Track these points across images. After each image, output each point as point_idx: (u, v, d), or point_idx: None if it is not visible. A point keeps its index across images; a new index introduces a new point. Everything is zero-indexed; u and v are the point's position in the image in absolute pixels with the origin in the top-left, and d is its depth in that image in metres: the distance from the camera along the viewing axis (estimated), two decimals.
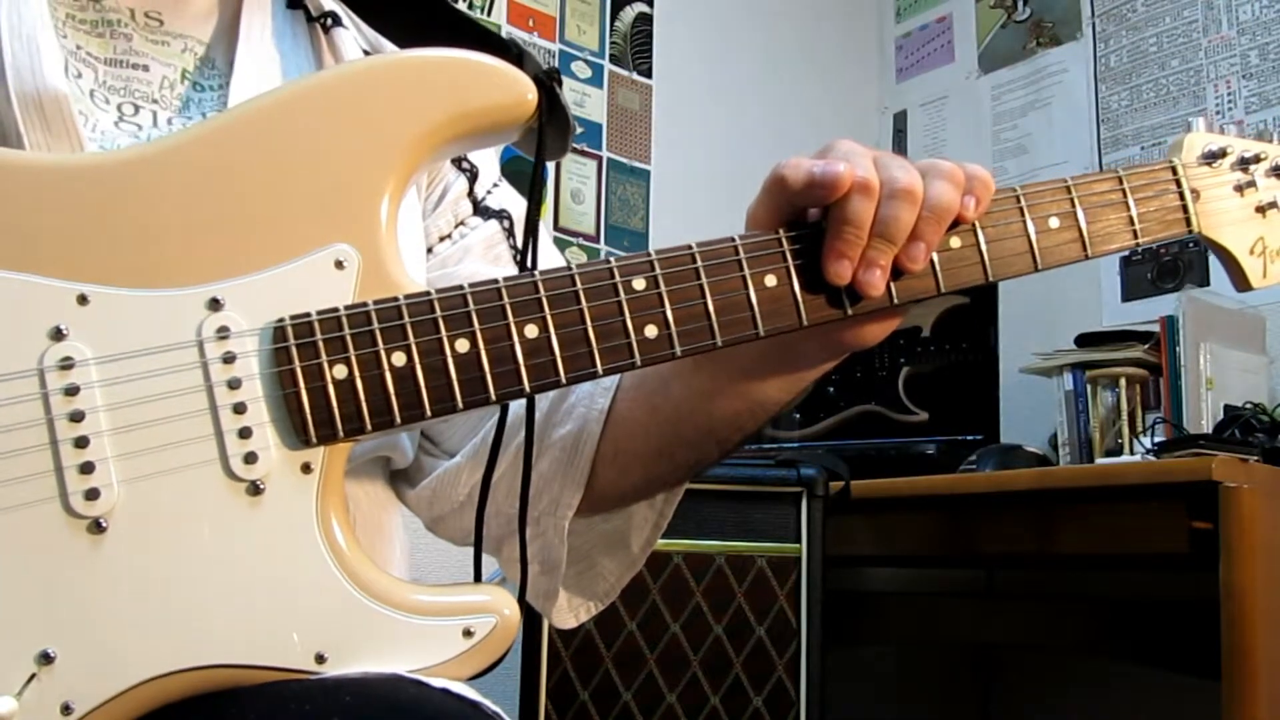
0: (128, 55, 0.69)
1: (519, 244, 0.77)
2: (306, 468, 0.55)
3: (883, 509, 1.77)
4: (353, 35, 0.76)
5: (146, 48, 0.70)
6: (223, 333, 0.54)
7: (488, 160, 0.80)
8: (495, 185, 0.80)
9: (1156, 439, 1.75)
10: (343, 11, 0.76)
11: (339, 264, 0.56)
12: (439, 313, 0.56)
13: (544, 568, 0.73)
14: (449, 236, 0.76)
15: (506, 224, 0.78)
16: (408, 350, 0.55)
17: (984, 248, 0.61)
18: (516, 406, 0.68)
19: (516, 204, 0.80)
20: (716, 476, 1.55)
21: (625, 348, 0.57)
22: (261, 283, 0.56)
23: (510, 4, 2.24)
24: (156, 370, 0.54)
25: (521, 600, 0.62)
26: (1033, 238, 0.62)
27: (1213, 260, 0.72)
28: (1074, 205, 0.63)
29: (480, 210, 0.78)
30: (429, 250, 0.76)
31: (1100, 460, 1.94)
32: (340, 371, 0.55)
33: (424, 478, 0.75)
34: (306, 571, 0.54)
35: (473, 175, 0.78)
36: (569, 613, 0.77)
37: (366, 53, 0.76)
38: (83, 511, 0.52)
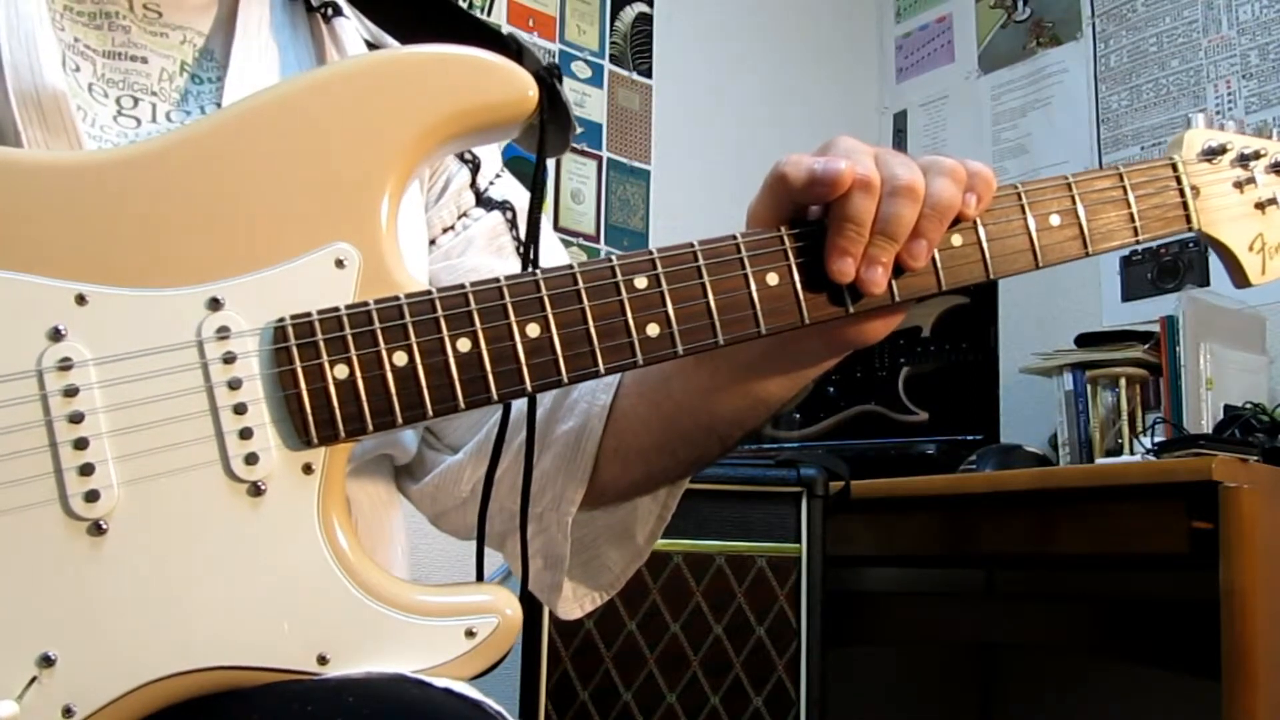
0: (126, 48, 0.69)
1: (522, 235, 0.77)
2: (308, 468, 0.55)
3: (883, 509, 1.77)
4: (354, 25, 0.76)
5: (145, 40, 0.70)
6: (223, 333, 0.54)
7: (489, 151, 0.80)
8: (498, 176, 0.80)
9: (1156, 439, 1.75)
10: (343, 1, 0.76)
11: (339, 263, 0.56)
12: (440, 312, 0.56)
13: (548, 562, 0.73)
14: (452, 228, 0.76)
15: (509, 215, 0.78)
16: (409, 350, 0.55)
17: (985, 245, 0.61)
18: (519, 403, 0.68)
19: (519, 195, 0.80)
20: (716, 476, 1.55)
21: (627, 346, 0.57)
22: (261, 282, 0.55)
23: (510, 4, 2.23)
24: (156, 371, 0.53)
25: (522, 598, 0.62)
26: (1034, 235, 0.62)
27: (1213, 260, 0.72)
28: (1075, 202, 0.63)
29: (483, 201, 0.78)
30: (432, 242, 0.76)
31: (1100, 460, 1.93)
32: (341, 371, 0.54)
33: (427, 472, 0.75)
34: (308, 572, 0.54)
35: (475, 166, 0.78)
36: (574, 603, 0.77)
37: (368, 43, 0.76)
38: (83, 513, 0.52)
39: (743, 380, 0.66)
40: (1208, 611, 1.36)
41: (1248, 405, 1.79)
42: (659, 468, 0.71)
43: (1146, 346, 1.97)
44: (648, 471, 0.71)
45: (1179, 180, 0.67)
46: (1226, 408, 1.80)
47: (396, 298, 0.56)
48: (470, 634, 0.55)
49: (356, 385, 0.55)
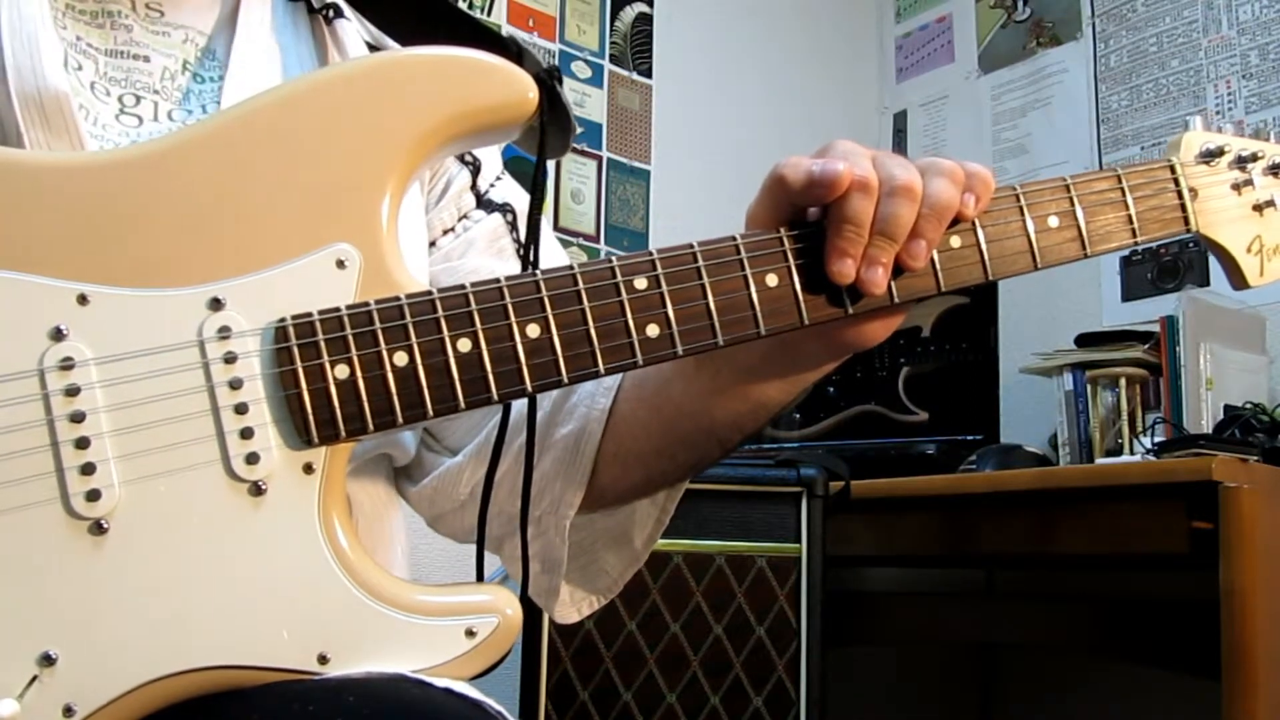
0: (128, 46, 0.69)
1: (522, 237, 0.77)
2: (309, 468, 0.55)
3: (883, 509, 1.77)
4: (355, 27, 0.76)
5: (147, 38, 0.70)
6: (224, 333, 0.54)
7: (490, 153, 0.80)
8: (498, 178, 0.80)
9: (1156, 439, 1.75)
10: (344, 3, 0.76)
11: (340, 263, 0.56)
12: (441, 312, 0.56)
13: (545, 566, 0.73)
14: (452, 230, 0.76)
15: (509, 217, 0.78)
16: (409, 350, 0.55)
17: (984, 246, 0.62)
18: (519, 405, 0.68)
19: (519, 197, 0.80)
20: (716, 476, 1.55)
21: (627, 347, 0.57)
22: (263, 282, 0.55)
23: (510, 4, 2.24)
24: (158, 371, 0.54)
25: (523, 599, 0.62)
26: (1032, 236, 0.62)
27: (1213, 260, 0.72)
28: (1073, 204, 0.64)
29: (483, 203, 0.78)
30: (432, 244, 0.76)
31: (1100, 460, 1.93)
32: (342, 371, 0.55)
33: (425, 474, 0.75)
34: (309, 572, 0.54)
35: (475, 168, 0.78)
36: (571, 607, 0.77)
37: (370, 45, 0.76)
38: (84, 513, 0.52)
39: (742, 383, 0.66)
40: (1208, 611, 1.36)
41: (1248, 405, 1.79)
42: (658, 471, 0.71)
43: (1146, 346, 1.97)
44: (647, 475, 0.71)
45: (1177, 182, 0.67)
46: (1226, 408, 1.80)
47: (397, 298, 0.56)
48: (470, 634, 0.55)
49: (357, 385, 0.55)
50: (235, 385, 0.54)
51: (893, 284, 0.60)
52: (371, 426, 0.55)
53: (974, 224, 0.61)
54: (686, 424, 0.68)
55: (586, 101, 2.34)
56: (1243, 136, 0.70)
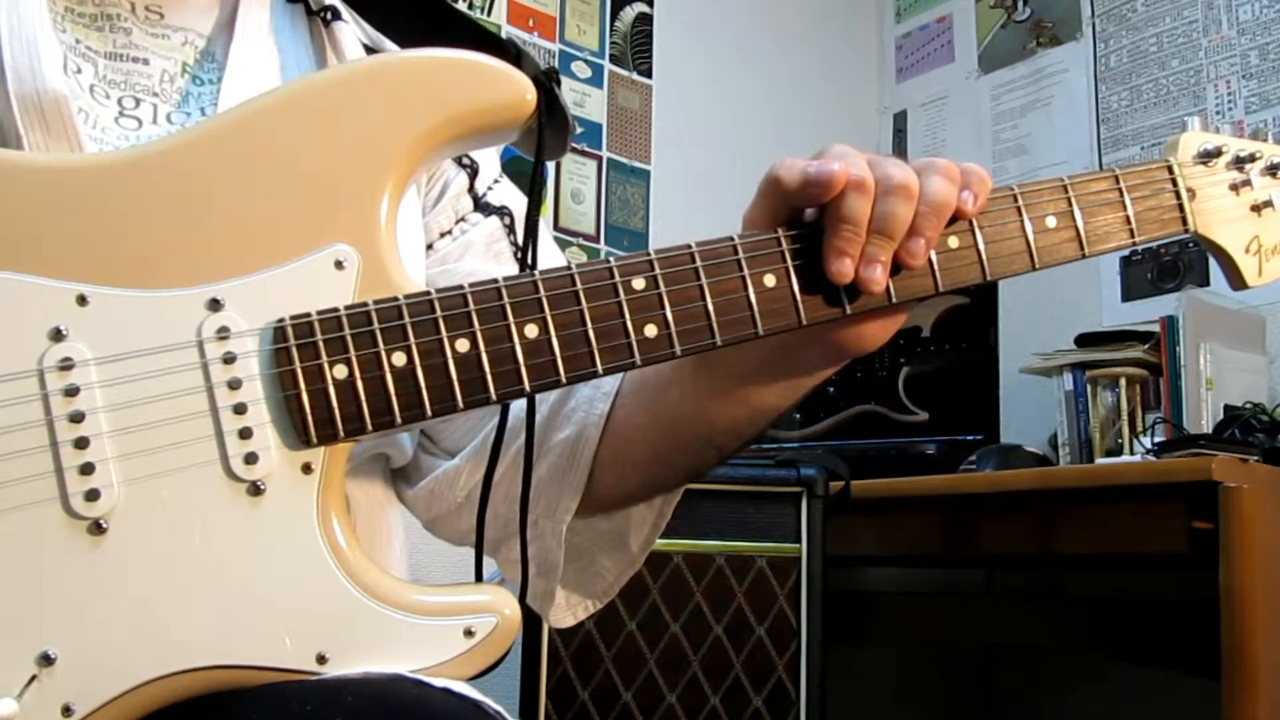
0: (128, 49, 0.69)
1: (520, 240, 0.77)
2: (307, 468, 0.55)
3: (883, 509, 1.77)
4: (353, 29, 0.76)
5: (146, 41, 0.70)
6: (223, 333, 0.54)
7: (488, 156, 0.80)
8: (496, 181, 0.80)
9: (1156, 439, 1.75)
10: (342, 5, 0.77)
11: (339, 264, 0.56)
12: (439, 313, 0.56)
13: (541, 570, 0.73)
14: (449, 233, 0.76)
15: (507, 220, 0.78)
16: (408, 350, 0.55)
17: (982, 247, 0.62)
18: (517, 409, 0.69)
19: (517, 200, 0.80)
20: (716, 476, 1.54)
21: (625, 347, 0.58)
22: (261, 283, 0.56)
23: (510, 4, 2.24)
24: (156, 371, 0.54)
25: (522, 600, 0.62)
26: (1030, 237, 0.63)
27: (1213, 260, 0.72)
28: (1071, 204, 0.64)
29: (481, 206, 0.78)
30: (429, 247, 0.76)
31: (1100, 460, 1.93)
32: (341, 372, 0.55)
33: (422, 477, 0.75)
34: (307, 572, 0.54)
35: (473, 171, 0.78)
36: (567, 611, 0.77)
37: (367, 47, 0.76)
38: (83, 512, 0.52)
39: (741, 389, 0.66)
40: (1208, 611, 1.36)
41: (1248, 405, 1.79)
42: (655, 477, 0.71)
43: (1146, 346, 1.97)
44: (644, 481, 0.71)
45: (1175, 182, 0.67)
46: (1226, 408, 1.80)
47: (395, 299, 0.56)
48: (469, 633, 0.55)
49: (355, 386, 0.55)
50: (234, 385, 0.54)
51: (891, 284, 0.60)
52: (370, 427, 0.55)
53: (971, 224, 0.61)
54: (684, 430, 0.68)
55: (586, 101, 2.34)
56: (1241, 137, 0.70)
